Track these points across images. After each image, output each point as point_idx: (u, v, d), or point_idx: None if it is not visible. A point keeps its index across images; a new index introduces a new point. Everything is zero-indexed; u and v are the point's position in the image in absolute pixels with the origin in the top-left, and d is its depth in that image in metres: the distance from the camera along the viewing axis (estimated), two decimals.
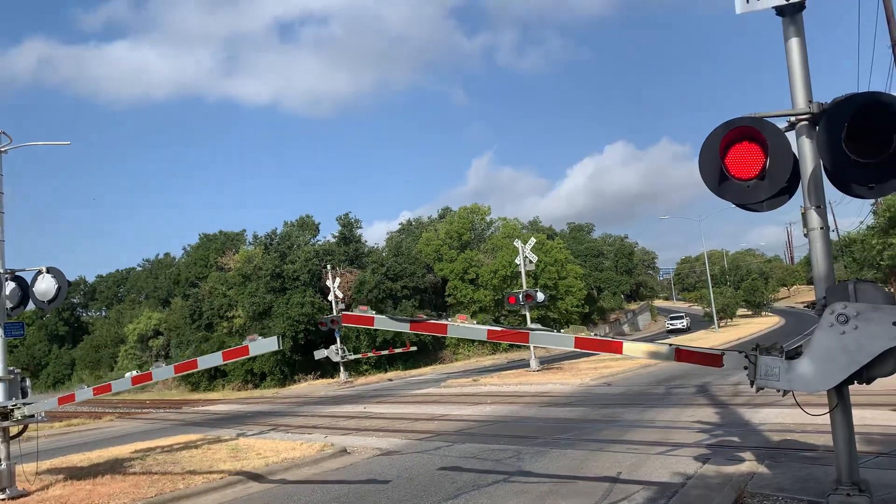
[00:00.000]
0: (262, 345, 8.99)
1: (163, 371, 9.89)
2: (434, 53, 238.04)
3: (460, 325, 7.72)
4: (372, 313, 8.06)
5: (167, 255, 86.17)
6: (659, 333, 73.74)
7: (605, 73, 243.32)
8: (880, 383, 7.21)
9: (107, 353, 74.95)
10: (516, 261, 36.21)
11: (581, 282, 69.29)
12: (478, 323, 7.83)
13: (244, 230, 74.27)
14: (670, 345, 6.60)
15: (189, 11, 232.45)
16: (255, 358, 55.91)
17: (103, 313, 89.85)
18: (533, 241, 36.79)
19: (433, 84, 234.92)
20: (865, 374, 5.41)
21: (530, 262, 35.05)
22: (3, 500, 10.29)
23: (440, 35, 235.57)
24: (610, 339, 7.13)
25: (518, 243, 35.78)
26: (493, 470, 10.61)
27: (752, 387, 5.79)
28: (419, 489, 9.73)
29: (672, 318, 79.70)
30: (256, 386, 55.42)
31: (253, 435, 17.59)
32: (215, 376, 60.46)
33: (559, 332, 7.24)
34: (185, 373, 12.20)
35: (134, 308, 79.38)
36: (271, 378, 55.47)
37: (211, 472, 11.68)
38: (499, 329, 7.75)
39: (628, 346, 6.78)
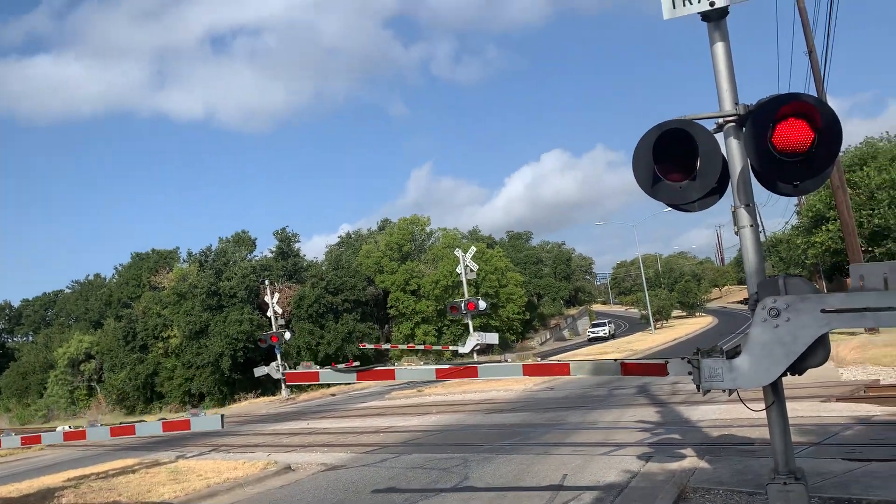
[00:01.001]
0: (205, 422, 8.58)
1: (97, 431, 9.31)
2: (371, 64, 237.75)
3: (408, 369, 7.76)
4: (316, 368, 7.93)
5: (98, 276, 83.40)
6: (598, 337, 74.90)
7: (540, 82, 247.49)
8: (810, 375, 7.49)
9: (35, 379, 71.79)
10: (457, 270, 36.37)
11: (521, 289, 69.97)
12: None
13: (178, 248, 72.46)
14: (615, 360, 6.73)
15: (116, 23, 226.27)
16: (193, 377, 54.58)
17: (30, 338, 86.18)
18: (473, 250, 37.04)
19: (371, 95, 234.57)
20: (798, 366, 5.58)
21: (471, 271, 35.25)
22: None
23: (377, 46, 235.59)
24: (557, 362, 7.20)
25: (458, 253, 35.94)
26: (440, 479, 10.56)
27: (698, 391, 5.91)
28: (371, 495, 9.62)
29: (594, 326, 75.94)
30: (195, 407, 53.80)
31: (193, 456, 17.10)
32: (151, 399, 58.66)
33: (506, 358, 7.28)
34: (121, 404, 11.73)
35: (63, 332, 76.32)
36: (210, 398, 54.11)
37: (149, 498, 11.29)
38: (447, 367, 7.75)
39: (575, 367, 6.88)
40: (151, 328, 57.49)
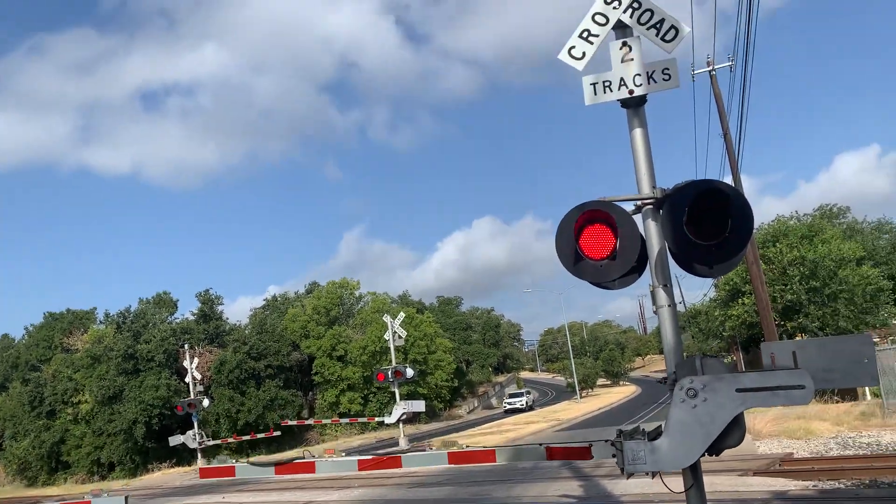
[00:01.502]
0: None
1: None
2: (307, 127, 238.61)
3: (328, 461, 7.58)
4: (231, 463, 7.63)
5: (5, 336, 79.10)
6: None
7: (473, 151, 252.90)
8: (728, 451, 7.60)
9: None
10: (385, 336, 35.96)
11: (450, 356, 69.69)
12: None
13: (95, 308, 69.55)
14: (540, 444, 6.72)
15: (42, 75, 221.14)
16: (103, 445, 51.69)
17: None
18: (402, 315, 36.76)
19: (305, 157, 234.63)
20: (716, 447, 5.63)
21: (399, 337, 34.93)
22: None
23: (313, 109, 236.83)
24: (482, 449, 7.16)
25: (387, 318, 35.60)
26: None
27: (622, 474, 5.89)
28: None
29: (511, 397, 70.29)
30: (104, 478, 51.05)
31: None
32: (56, 469, 55.13)
33: (431, 448, 7.23)
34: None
35: None
36: (121, 468, 51.26)
37: None
38: (369, 458, 7.57)
39: (501, 453, 6.83)
40: (61, 392, 54.47)
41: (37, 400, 55.93)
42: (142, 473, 47.16)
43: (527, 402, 67.11)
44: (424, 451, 7.12)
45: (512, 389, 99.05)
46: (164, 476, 39.53)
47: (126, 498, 7.74)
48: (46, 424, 54.91)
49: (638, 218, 6.23)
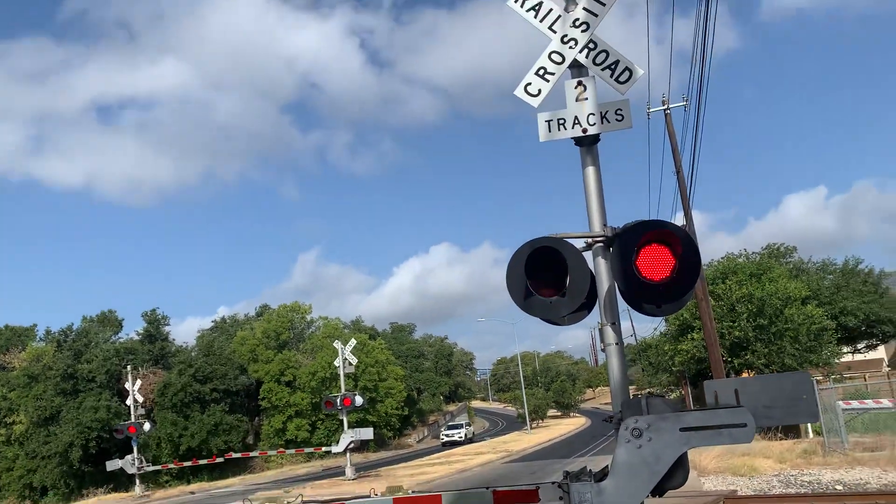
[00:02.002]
0: None
1: None
2: (266, 147, 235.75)
3: None
4: None
5: None
6: (476, 435, 74.58)
7: (433, 177, 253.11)
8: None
9: None
10: (336, 362, 35.50)
11: (401, 383, 69.12)
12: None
13: (35, 325, 67.30)
14: (487, 487, 6.68)
15: None
16: (37, 469, 49.76)
17: None
18: (353, 342, 36.38)
19: (263, 176, 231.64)
20: (661, 487, 5.61)
21: (350, 363, 34.54)
22: None
23: (273, 129, 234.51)
24: (428, 494, 7.12)
25: (338, 345, 35.20)
26: None
27: None
28: None
29: (449, 428, 65.18)
30: (35, 502, 49.03)
31: None
32: None
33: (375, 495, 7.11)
34: None
35: None
36: (55, 493, 49.29)
37: None
38: None
39: (446, 498, 6.78)
40: None
41: None
42: (76, 498, 45.51)
43: (465, 435, 62.03)
44: (369, 496, 7.02)
45: (461, 418, 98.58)
46: (100, 501, 38.16)
47: None
48: None
49: (588, 256, 6.25)
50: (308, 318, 70.53)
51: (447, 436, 61.94)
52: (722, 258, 45.09)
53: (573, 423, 76.89)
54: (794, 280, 41.88)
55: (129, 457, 35.96)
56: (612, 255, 5.89)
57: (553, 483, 6.04)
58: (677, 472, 5.69)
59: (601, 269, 6.09)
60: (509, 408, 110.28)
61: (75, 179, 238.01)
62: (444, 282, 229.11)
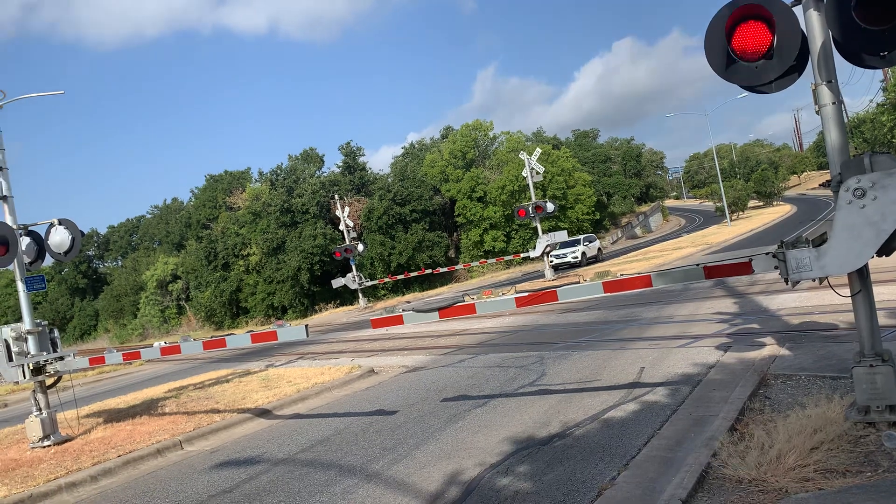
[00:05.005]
0: (291, 332, 8.79)
1: (191, 345, 9.67)
2: None
3: (488, 301, 7.94)
4: (399, 311, 8.12)
5: (175, 199, 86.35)
6: (672, 232, 73.73)
7: None
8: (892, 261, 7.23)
9: (128, 301, 76.11)
10: (523, 174, 35.98)
11: (590, 189, 68.90)
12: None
13: (249, 168, 74.09)
14: (697, 264, 6.66)
15: None
16: (274, 292, 56.83)
17: (119, 263, 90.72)
18: (538, 151, 36.39)
19: None
20: (889, 246, 5.39)
21: (537, 173, 34.85)
22: (49, 445, 10.64)
23: None
24: (638, 276, 7.17)
25: (524, 155, 35.48)
26: (517, 376, 10.83)
27: (787, 283, 5.81)
28: (451, 392, 9.98)
29: (563, 247, 45.34)
30: (279, 319, 56.35)
31: (281, 365, 17.98)
32: (238, 314, 61.50)
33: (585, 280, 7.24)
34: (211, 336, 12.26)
35: (149, 255, 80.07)
36: (293, 311, 56.44)
37: (244, 404, 12.01)
38: (525, 295, 7.78)
39: (656, 278, 6.84)
40: (231, 247, 59.67)
41: (212, 255, 61.70)
42: (311, 314, 51.74)
43: (584, 254, 45.74)
44: (578, 283, 7.28)
45: (656, 219, 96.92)
46: (332, 315, 43.14)
47: (306, 326, 8.61)
48: (223, 276, 60.80)
49: (797, 10, 5.72)
50: (490, 134, 71.01)
51: (557, 257, 44.59)
52: None
53: (777, 212, 73.22)
54: None
55: (349, 275, 39.98)
56: (827, 5, 5.35)
57: (767, 253, 5.98)
58: None
59: (813, 22, 5.58)
60: (706, 203, 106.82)
61: (260, 23, 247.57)
62: (629, 80, 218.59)
